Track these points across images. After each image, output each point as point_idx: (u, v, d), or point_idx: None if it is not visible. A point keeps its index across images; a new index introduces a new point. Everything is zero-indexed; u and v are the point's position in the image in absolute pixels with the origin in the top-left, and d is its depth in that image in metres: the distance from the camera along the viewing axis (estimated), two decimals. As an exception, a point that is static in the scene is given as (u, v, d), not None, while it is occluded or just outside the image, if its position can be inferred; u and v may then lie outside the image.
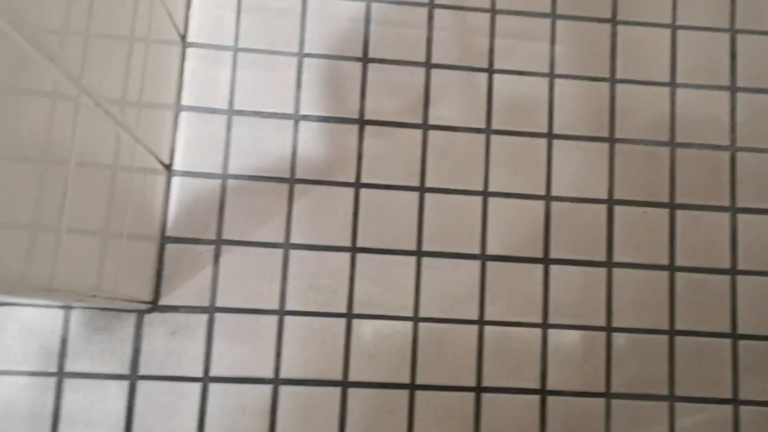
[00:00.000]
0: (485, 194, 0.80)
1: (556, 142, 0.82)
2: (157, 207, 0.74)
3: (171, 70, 0.75)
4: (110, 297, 0.59)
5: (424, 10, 0.82)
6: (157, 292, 0.74)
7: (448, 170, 0.80)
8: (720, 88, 0.84)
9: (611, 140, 0.82)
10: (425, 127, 0.80)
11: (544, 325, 0.78)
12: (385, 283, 0.77)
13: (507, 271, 0.79)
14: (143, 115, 0.65)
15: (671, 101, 0.83)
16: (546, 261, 0.80)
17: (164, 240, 0.75)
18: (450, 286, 0.78)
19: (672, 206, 0.82)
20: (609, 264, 0.80)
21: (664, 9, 0.85)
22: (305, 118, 0.79)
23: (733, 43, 0.85)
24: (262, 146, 0.78)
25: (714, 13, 0.84)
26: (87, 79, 0.49)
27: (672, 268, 0.81)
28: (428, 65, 0.81)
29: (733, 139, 0.83)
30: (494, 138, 0.81)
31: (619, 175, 0.82)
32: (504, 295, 0.79)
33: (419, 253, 0.78)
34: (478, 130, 0.81)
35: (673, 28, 0.84)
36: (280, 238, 0.77)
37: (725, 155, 0.83)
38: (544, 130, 0.82)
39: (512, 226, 0.80)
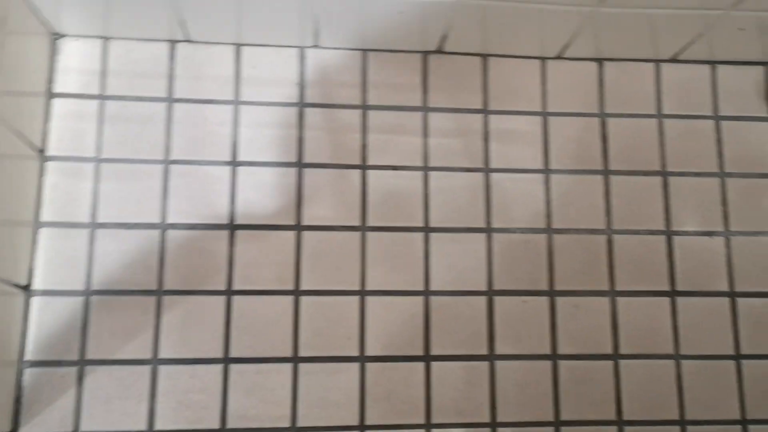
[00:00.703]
0: (362, 293, 0.79)
1: (432, 236, 0.81)
2: (15, 331, 0.71)
3: (28, 186, 0.73)
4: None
5: (294, 110, 0.81)
6: (16, 420, 0.71)
7: (324, 271, 0.79)
8: (593, 172, 0.84)
9: (488, 230, 0.81)
10: (299, 228, 0.79)
11: (427, 425, 0.77)
12: (259, 393, 0.75)
13: (387, 372, 0.78)
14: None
15: (546, 188, 0.83)
16: (427, 358, 0.78)
17: (23, 365, 0.72)
18: (329, 392, 0.76)
19: (552, 294, 0.81)
20: (491, 357, 0.79)
21: (534, 97, 0.85)
22: (173, 226, 0.77)
23: (603, 126, 0.85)
24: (127, 259, 0.76)
25: (583, 99, 0.85)
26: None
27: (554, 357, 0.80)
28: (300, 165, 0.80)
29: (609, 222, 0.83)
30: (370, 235, 0.80)
31: (497, 266, 0.81)
32: (385, 397, 0.77)
33: (295, 360, 0.76)
34: (353, 228, 0.80)
35: (544, 114, 0.85)
36: (147, 354, 0.74)
37: (602, 239, 0.83)
38: (420, 223, 0.81)
39: (391, 324, 0.78)
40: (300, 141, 0.81)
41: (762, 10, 0.75)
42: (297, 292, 0.78)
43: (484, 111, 0.85)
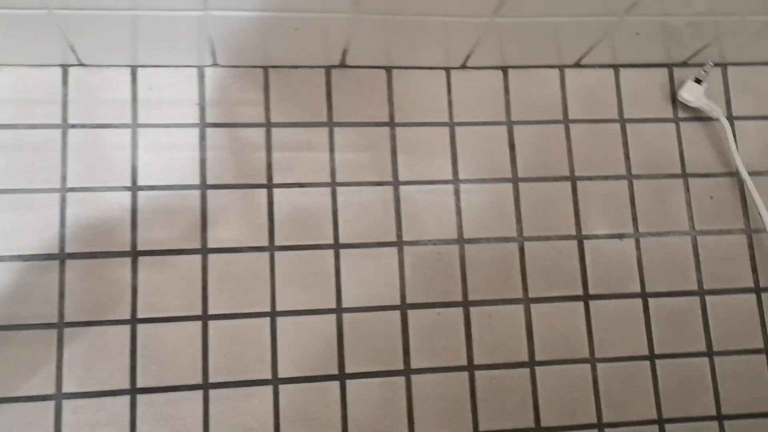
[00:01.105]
0: (273, 314, 0.78)
1: (343, 252, 0.80)
2: None
3: None
4: None
5: (195, 131, 0.79)
6: None
7: (232, 294, 0.77)
8: (502, 180, 0.84)
9: (399, 244, 0.81)
10: (204, 251, 0.77)
11: (344, 445, 0.75)
12: (170, 423, 0.73)
13: (302, 393, 0.76)
14: None
15: (456, 198, 0.83)
16: (342, 377, 0.77)
17: None
18: (242, 417, 0.75)
19: (466, 304, 0.81)
20: (407, 371, 0.78)
21: (440, 108, 0.85)
22: (71, 256, 0.75)
23: (510, 134, 0.86)
24: (24, 292, 0.73)
25: (489, 107, 0.85)
26: None
27: (471, 367, 0.80)
28: (203, 186, 0.78)
29: (520, 230, 0.83)
30: (279, 254, 0.79)
31: (410, 279, 0.81)
32: (301, 419, 0.76)
33: (206, 386, 0.75)
34: (260, 249, 0.78)
35: (451, 125, 0.85)
36: (50, 389, 0.72)
37: (513, 247, 0.83)
38: (330, 240, 0.80)
39: (304, 344, 0.77)
40: (202, 162, 0.79)
41: (653, 14, 0.76)
42: (205, 317, 0.76)
43: (391, 124, 0.84)
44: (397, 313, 0.80)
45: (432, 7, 0.70)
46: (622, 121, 0.89)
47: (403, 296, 0.81)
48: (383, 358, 0.79)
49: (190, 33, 0.73)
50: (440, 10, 0.71)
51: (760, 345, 0.86)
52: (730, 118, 0.90)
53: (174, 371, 0.74)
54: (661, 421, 0.82)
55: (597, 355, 0.83)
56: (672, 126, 0.90)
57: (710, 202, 0.88)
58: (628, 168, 0.88)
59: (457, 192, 0.84)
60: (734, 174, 0.89)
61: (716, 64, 0.90)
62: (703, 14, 0.77)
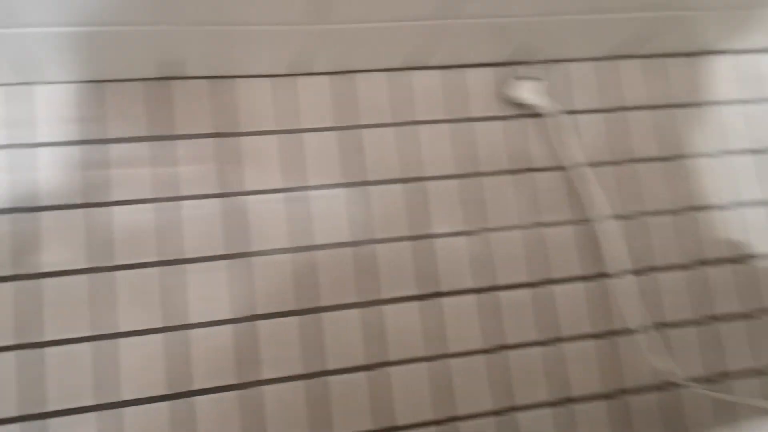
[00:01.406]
0: (115, 336, 0.75)
1: (187, 267, 0.79)
2: None
3: None
4: None
5: (25, 151, 0.76)
6: None
7: (69, 318, 0.74)
8: (350, 184, 0.85)
9: (246, 255, 0.80)
10: (36, 276, 0.74)
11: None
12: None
13: (148, 414, 0.74)
14: None
15: (303, 205, 0.83)
16: (188, 394, 0.76)
17: None
18: (86, 444, 0.72)
19: (317, 310, 0.81)
20: (260, 383, 0.78)
21: (279, 115, 0.84)
22: None
23: (356, 138, 0.86)
24: None
25: (331, 112, 0.89)
26: None
27: (324, 373, 0.80)
28: (34, 209, 0.75)
29: (370, 232, 0.84)
30: (118, 274, 0.76)
31: (259, 290, 0.81)
32: (148, 440, 0.73)
33: (42, 416, 0.71)
34: (98, 270, 0.76)
35: (298, 132, 0.84)
36: None
37: (364, 250, 0.84)
38: (172, 256, 0.78)
39: (149, 365, 0.75)
40: (34, 183, 0.76)
41: (478, 17, 0.78)
42: (38, 344, 0.73)
43: (234, 134, 0.83)
44: (247, 325, 0.80)
45: (251, 16, 0.70)
46: (463, 121, 0.91)
47: (252, 307, 0.80)
48: (234, 371, 0.78)
49: (8, 51, 0.70)
50: (260, 20, 0.71)
51: (594, 329, 0.90)
52: (562, 114, 0.94)
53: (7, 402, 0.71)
54: (513, 409, 0.85)
55: (450, 350, 0.84)
56: (506, 123, 0.93)
57: (547, 195, 0.92)
58: (474, 165, 0.90)
59: (303, 199, 0.84)
60: (568, 167, 0.92)
61: (546, 62, 0.94)
62: (525, 15, 0.80)
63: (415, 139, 0.89)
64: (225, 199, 0.82)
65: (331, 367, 0.81)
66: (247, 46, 0.77)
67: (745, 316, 0.94)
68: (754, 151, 1.00)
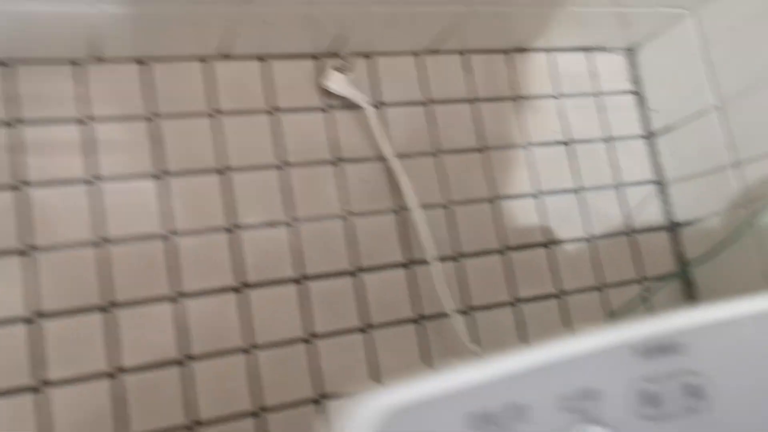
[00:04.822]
0: None
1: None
2: None
3: None
4: None
5: None
6: None
7: None
8: (145, 176, 0.81)
9: (30, 251, 0.74)
10: None
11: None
12: None
13: None
14: None
15: (97, 198, 0.78)
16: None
17: None
18: None
19: (111, 307, 0.77)
20: (44, 385, 0.73)
21: (72, 103, 0.80)
22: None
23: (155, 128, 0.82)
24: None
25: (129, 101, 0.84)
26: None
27: (120, 372, 0.76)
28: None
29: (170, 225, 0.81)
30: None
31: (45, 288, 0.77)
32: None
33: None
34: None
35: (88, 121, 0.80)
36: None
37: (163, 243, 0.80)
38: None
39: None
40: None
41: (276, 5, 0.77)
42: None
43: (21, 122, 0.78)
44: (32, 326, 0.74)
45: None
46: (274, 112, 0.90)
47: (37, 306, 0.75)
48: (11, 373, 0.73)
49: None
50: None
51: (411, 315, 0.91)
52: (379, 106, 0.94)
53: None
54: (321, 397, 0.85)
55: (258, 342, 0.83)
56: (322, 115, 0.93)
57: (362, 185, 0.92)
58: (282, 156, 0.89)
59: (102, 191, 0.80)
60: (383, 158, 0.93)
61: (364, 54, 0.95)
62: (334, 4, 0.80)
63: (228, 130, 0.87)
64: (15, 191, 0.76)
65: (131, 363, 0.77)
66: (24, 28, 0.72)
67: (549, 296, 0.99)
68: (564, 143, 1.05)
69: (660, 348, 0.30)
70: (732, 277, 0.94)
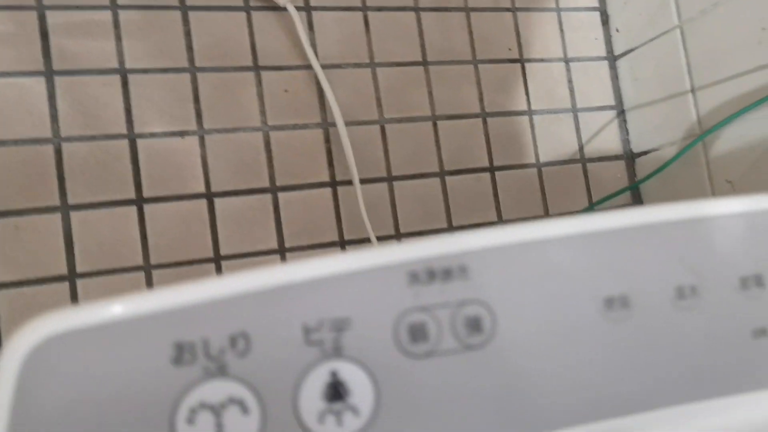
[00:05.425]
0: None
1: None
2: None
3: None
4: None
5: None
6: None
7: None
8: (35, 73, 0.72)
9: None
10: None
11: None
12: None
13: None
14: None
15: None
16: None
17: None
18: None
19: (-12, 216, 0.69)
20: None
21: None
22: None
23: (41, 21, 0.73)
24: None
25: None
26: None
27: (-5, 287, 0.68)
28: None
29: (56, 130, 0.72)
30: None
31: None
32: None
33: None
34: None
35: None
36: None
37: (48, 148, 0.72)
38: None
39: None
40: None
41: None
42: None
43: None
44: None
45: None
46: (184, 9, 0.80)
47: None
48: None
49: None
50: None
51: (333, 239, 0.84)
52: (306, 8, 0.84)
53: None
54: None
55: (152, 261, 0.75)
56: (242, 15, 0.82)
57: (284, 95, 0.83)
58: (191, 59, 0.79)
59: (-27, 87, 0.70)
60: (310, 67, 0.83)
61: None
62: None
63: (131, 27, 0.78)
64: None
65: (11, 279, 0.70)
66: None
67: (491, 225, 0.91)
68: (518, 60, 0.95)
69: (437, 273, 0.22)
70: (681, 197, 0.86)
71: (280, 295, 0.22)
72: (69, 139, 0.75)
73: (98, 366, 0.21)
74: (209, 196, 0.79)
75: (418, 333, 0.23)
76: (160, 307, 0.22)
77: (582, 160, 0.99)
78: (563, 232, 0.26)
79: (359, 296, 0.23)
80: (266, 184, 0.82)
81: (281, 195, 0.83)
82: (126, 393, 0.21)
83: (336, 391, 0.23)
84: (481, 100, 0.94)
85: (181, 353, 0.21)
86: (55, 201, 0.74)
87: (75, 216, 0.74)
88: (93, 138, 0.76)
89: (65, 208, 0.74)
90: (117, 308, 0.22)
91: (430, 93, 0.91)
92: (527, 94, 0.97)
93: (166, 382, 0.21)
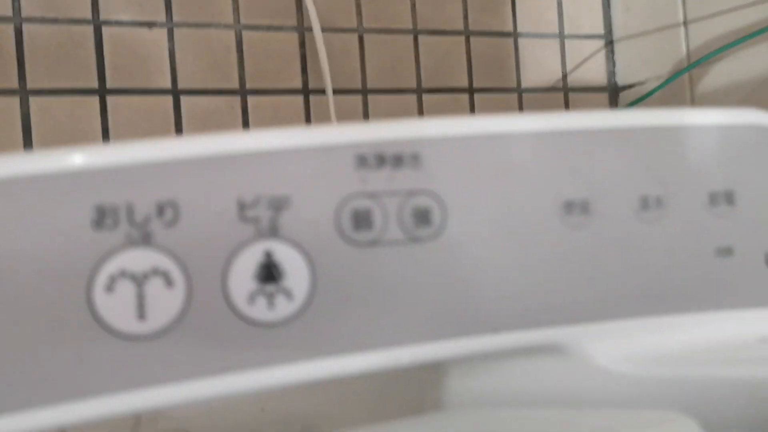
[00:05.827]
0: None
1: None
2: None
3: None
4: None
5: None
6: None
7: None
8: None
9: None
10: None
11: None
12: None
13: None
14: None
15: None
16: None
17: None
18: None
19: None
20: None
21: None
22: None
23: None
24: None
25: None
26: None
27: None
28: None
29: (18, 9, 0.67)
30: None
31: None
32: None
33: None
34: None
35: None
36: None
37: (8, 28, 0.67)
38: None
39: None
40: None
41: None
42: None
43: None
44: None
45: None
46: None
47: None
48: None
49: None
50: None
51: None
52: None
53: None
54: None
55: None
56: None
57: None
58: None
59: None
60: (290, -36, 0.78)
61: None
62: None
63: None
64: None
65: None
66: None
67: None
68: None
69: (387, 158, 0.20)
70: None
71: (216, 165, 0.21)
72: (30, 20, 0.71)
73: (12, 220, 0.19)
74: (176, 93, 0.76)
75: (362, 220, 0.22)
76: (82, 166, 0.20)
77: (565, 89, 0.96)
78: (527, 128, 0.25)
79: (301, 175, 0.21)
80: (236, 85, 0.79)
81: (251, 98, 0.80)
82: (41, 253, 0.19)
83: (269, 273, 0.21)
84: (465, 17, 0.90)
85: (103, 217, 0.20)
86: (14, 83, 0.70)
87: (34, 101, 0.71)
88: (56, 21, 0.72)
89: (24, 92, 0.71)
90: (37, 162, 0.20)
91: (413, 5, 0.87)
92: (514, 15, 0.93)
93: (85, 246, 0.19)
